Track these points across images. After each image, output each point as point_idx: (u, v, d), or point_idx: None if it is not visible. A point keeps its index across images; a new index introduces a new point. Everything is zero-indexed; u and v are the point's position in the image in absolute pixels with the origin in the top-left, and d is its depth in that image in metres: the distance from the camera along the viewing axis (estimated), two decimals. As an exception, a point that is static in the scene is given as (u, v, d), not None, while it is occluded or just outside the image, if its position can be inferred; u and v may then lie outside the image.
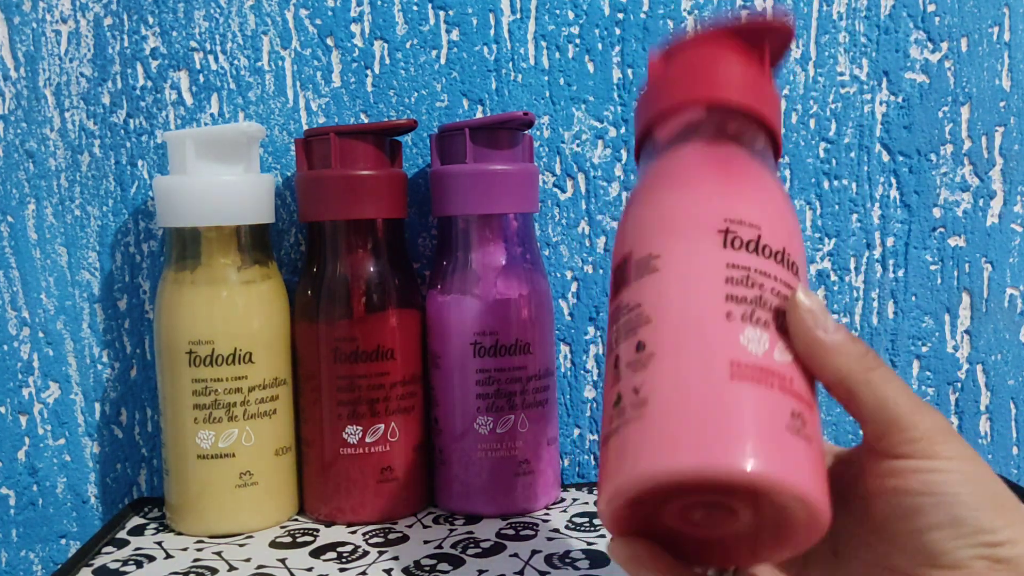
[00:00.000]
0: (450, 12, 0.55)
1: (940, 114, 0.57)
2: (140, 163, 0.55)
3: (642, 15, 0.56)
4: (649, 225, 0.33)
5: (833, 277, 0.58)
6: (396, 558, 0.46)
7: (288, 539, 0.49)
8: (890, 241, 0.58)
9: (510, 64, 0.56)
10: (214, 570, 0.45)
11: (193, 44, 0.55)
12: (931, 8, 0.56)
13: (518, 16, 0.55)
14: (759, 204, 0.33)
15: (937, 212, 0.58)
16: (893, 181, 0.57)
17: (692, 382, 0.29)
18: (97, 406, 0.57)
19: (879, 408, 0.31)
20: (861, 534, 0.32)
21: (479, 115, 0.56)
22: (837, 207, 0.57)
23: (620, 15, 0.56)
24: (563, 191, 0.57)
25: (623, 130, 0.56)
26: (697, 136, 0.35)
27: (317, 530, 0.50)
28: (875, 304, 0.58)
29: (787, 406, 0.29)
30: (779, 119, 0.37)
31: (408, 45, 0.55)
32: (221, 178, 0.49)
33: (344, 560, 0.46)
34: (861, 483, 0.32)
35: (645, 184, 0.35)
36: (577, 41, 0.56)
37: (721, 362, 0.29)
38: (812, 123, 0.57)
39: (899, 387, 0.31)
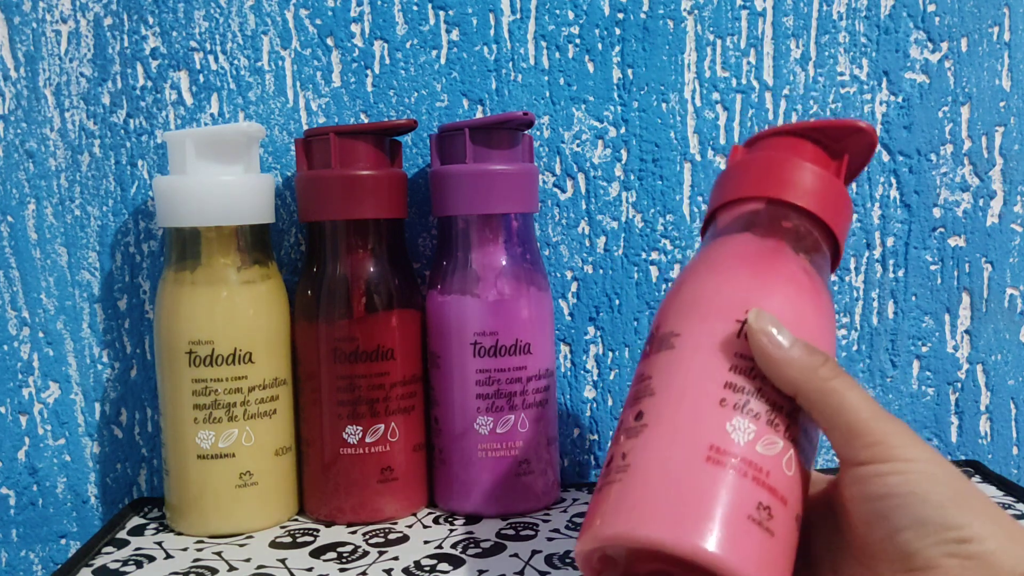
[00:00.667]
0: (450, 12, 0.55)
1: (940, 114, 0.57)
2: (140, 163, 0.55)
3: (642, 15, 0.56)
4: (680, 304, 0.36)
5: (833, 277, 0.58)
6: (396, 558, 0.46)
7: (288, 539, 0.49)
8: (890, 241, 0.58)
9: (510, 64, 0.56)
10: (214, 570, 0.45)
11: (193, 44, 0.55)
12: (931, 8, 0.56)
13: (518, 16, 0.55)
14: (779, 298, 0.35)
15: (937, 212, 0.58)
16: (893, 181, 0.57)
17: (671, 457, 0.32)
18: (97, 406, 0.57)
19: (837, 416, 0.32)
20: (850, 551, 0.33)
21: (479, 115, 0.56)
22: (837, 207, 0.57)
23: (620, 15, 0.56)
24: (563, 191, 0.57)
25: (623, 130, 0.56)
26: (751, 228, 0.38)
27: (317, 530, 0.50)
28: (875, 304, 0.58)
29: (756, 497, 0.31)
30: (841, 223, 0.39)
31: (408, 45, 0.55)
32: (221, 178, 0.49)
33: (344, 560, 0.46)
34: (838, 498, 0.33)
35: (693, 264, 0.38)
36: (577, 41, 0.56)
37: (702, 444, 0.31)
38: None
39: (858, 396, 0.32)
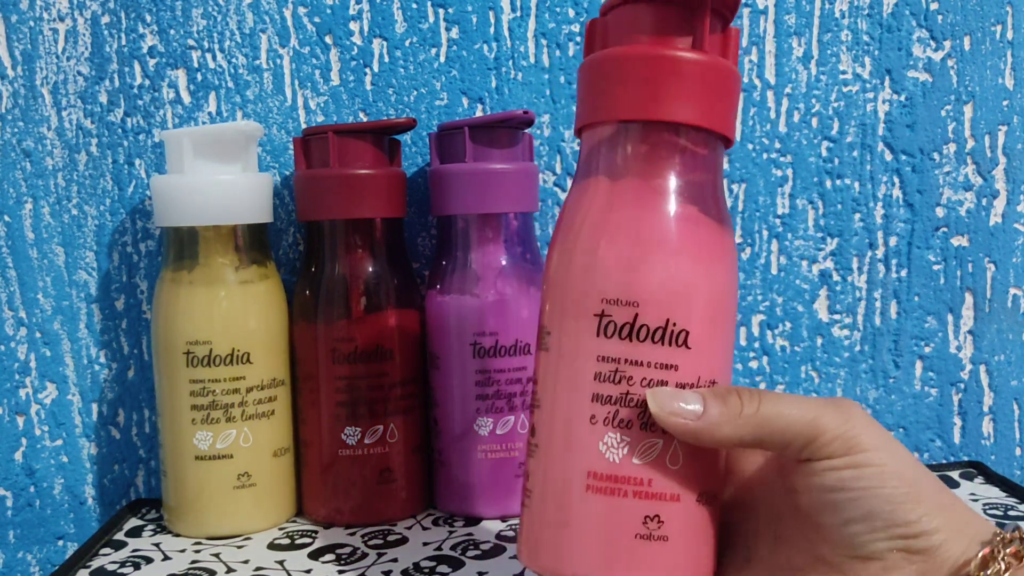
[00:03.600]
0: (450, 10, 0.55)
1: (943, 113, 0.57)
2: (137, 162, 0.55)
3: (643, 13, 0.55)
4: (548, 286, 0.33)
5: (836, 277, 0.57)
6: (395, 560, 0.45)
7: (286, 541, 0.49)
8: (893, 241, 0.57)
9: (510, 62, 0.55)
10: (212, 572, 0.45)
11: (191, 42, 0.54)
12: (934, 6, 0.56)
13: (518, 14, 0.55)
14: (639, 274, 0.31)
15: (940, 211, 0.57)
16: (896, 180, 0.57)
17: (556, 486, 0.32)
18: (94, 407, 0.56)
19: (783, 435, 0.31)
20: (795, 522, 0.33)
21: (479, 113, 0.56)
22: (840, 206, 0.57)
23: (621, 13, 0.55)
24: (563, 190, 0.56)
25: (624, 129, 0.56)
26: (606, 166, 0.32)
27: (316, 532, 0.50)
28: (878, 304, 0.58)
29: (640, 512, 0.31)
30: (718, 111, 0.32)
31: (407, 43, 0.55)
32: (219, 177, 0.49)
33: (343, 562, 0.45)
34: (787, 478, 0.33)
35: (558, 224, 0.34)
36: (577, 39, 0.55)
37: (580, 472, 0.31)
38: (814, 122, 0.56)
39: (790, 404, 0.31)
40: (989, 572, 0.29)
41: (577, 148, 0.56)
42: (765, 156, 0.56)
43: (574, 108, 0.55)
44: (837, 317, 0.58)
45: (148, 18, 0.54)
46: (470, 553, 0.46)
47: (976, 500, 0.51)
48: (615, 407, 0.31)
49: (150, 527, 0.52)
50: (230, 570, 0.45)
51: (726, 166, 0.56)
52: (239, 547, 0.48)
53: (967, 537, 0.30)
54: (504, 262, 0.50)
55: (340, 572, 0.44)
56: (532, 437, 0.33)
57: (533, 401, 0.34)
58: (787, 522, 0.33)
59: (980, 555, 0.29)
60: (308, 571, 0.45)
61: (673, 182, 0.32)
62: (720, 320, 0.32)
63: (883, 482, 0.30)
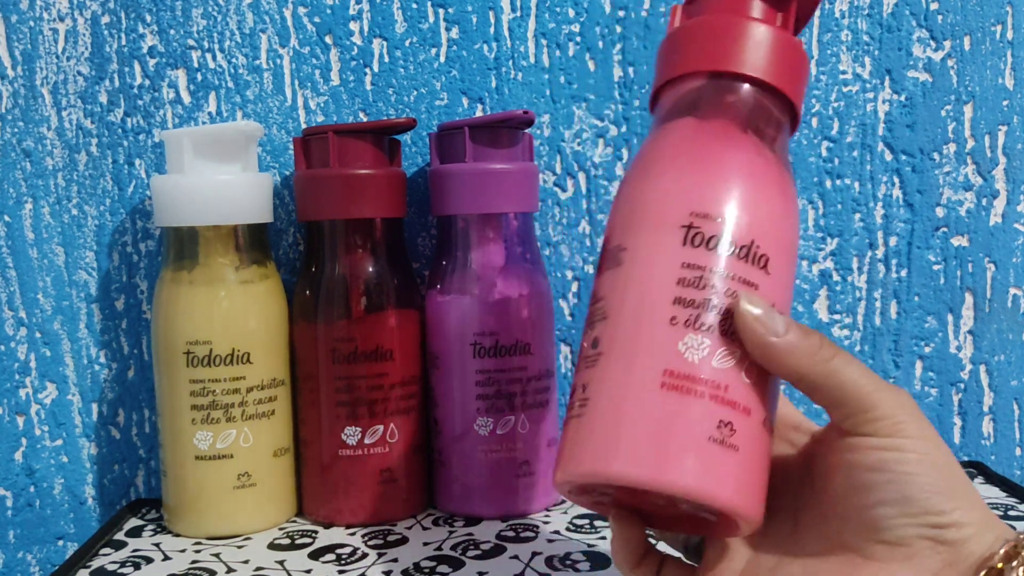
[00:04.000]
0: (450, 10, 0.55)
1: (943, 113, 0.57)
2: (137, 162, 0.55)
3: (643, 13, 0.55)
4: (623, 212, 0.34)
5: (836, 277, 0.57)
6: (395, 560, 0.45)
7: (287, 541, 0.49)
8: (893, 241, 0.57)
9: (510, 62, 0.55)
10: (212, 572, 0.45)
11: (191, 42, 0.54)
12: (934, 6, 0.56)
13: (518, 14, 0.55)
14: (730, 193, 0.32)
15: (940, 211, 0.57)
16: (896, 180, 0.57)
17: (627, 389, 0.31)
18: (94, 407, 0.56)
19: (842, 394, 0.31)
20: (819, 508, 0.33)
21: (479, 113, 0.56)
22: (840, 206, 0.57)
23: (621, 13, 0.55)
24: (563, 190, 0.56)
25: (624, 128, 0.56)
26: (692, 111, 0.34)
27: (316, 532, 0.50)
28: (878, 304, 0.58)
29: (715, 416, 0.30)
30: (794, 83, 0.35)
31: (407, 43, 0.55)
32: (219, 177, 0.49)
33: (343, 562, 0.45)
34: (823, 459, 0.33)
35: (634, 163, 0.35)
36: (578, 39, 0.55)
37: (655, 371, 0.30)
38: (814, 122, 0.56)
39: (859, 370, 0.31)
40: (1014, 564, 0.29)
41: (577, 148, 0.56)
42: (765, 156, 0.56)
43: (574, 108, 0.56)
44: (837, 317, 0.58)
45: (148, 18, 0.54)
46: (470, 553, 0.46)
47: (976, 500, 0.51)
48: (698, 311, 0.31)
49: (150, 527, 0.52)
50: (230, 570, 0.45)
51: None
52: (239, 547, 0.48)
53: (993, 534, 0.30)
54: (504, 262, 0.50)
55: (340, 572, 0.44)
56: (593, 348, 0.33)
57: (594, 317, 0.33)
58: (810, 509, 0.33)
59: (1003, 551, 0.29)
60: (308, 571, 0.45)
61: (757, 129, 0.34)
62: (792, 257, 0.33)
63: (923, 470, 0.30)
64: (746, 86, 0.34)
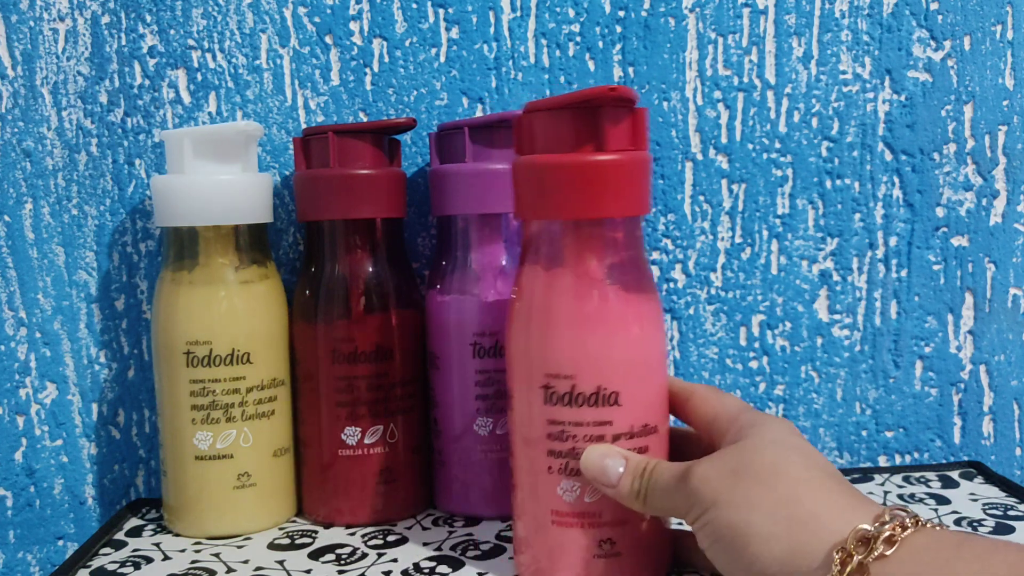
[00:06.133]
0: (450, 10, 0.55)
1: (943, 113, 0.57)
2: (138, 162, 0.55)
3: (643, 13, 0.55)
4: (507, 361, 0.41)
5: (836, 277, 0.57)
6: (395, 560, 0.45)
7: (286, 541, 0.49)
8: (893, 241, 0.57)
9: (510, 62, 0.55)
10: (212, 572, 0.45)
11: (191, 42, 0.54)
12: (934, 6, 0.56)
13: (518, 14, 0.55)
14: (573, 348, 0.39)
15: (940, 211, 0.57)
16: (896, 180, 0.57)
17: (533, 525, 0.41)
18: (95, 407, 0.56)
19: (670, 509, 0.37)
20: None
21: (479, 113, 0.56)
22: (840, 206, 0.57)
23: (621, 13, 0.55)
24: (563, 190, 0.56)
25: (624, 129, 0.56)
26: (539, 256, 0.40)
27: (316, 532, 0.50)
28: (878, 304, 0.58)
29: (596, 537, 0.40)
30: (632, 196, 0.39)
31: (407, 43, 0.55)
32: (219, 177, 0.49)
33: (343, 562, 0.45)
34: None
35: (511, 303, 0.41)
36: (578, 39, 0.55)
37: (547, 512, 0.40)
38: (814, 122, 0.56)
39: (666, 482, 0.37)
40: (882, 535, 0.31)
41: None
42: (765, 156, 0.56)
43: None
44: (837, 317, 0.58)
45: (148, 18, 0.54)
46: (470, 553, 0.46)
47: (976, 500, 0.51)
48: (566, 459, 0.39)
49: (150, 527, 0.52)
50: (230, 570, 0.45)
51: (725, 167, 0.56)
52: (239, 547, 0.48)
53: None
54: (504, 262, 0.50)
55: (340, 572, 0.44)
56: (511, 479, 0.42)
57: (511, 451, 0.42)
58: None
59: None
60: (308, 571, 0.45)
61: (596, 266, 0.39)
62: (646, 374, 0.40)
63: (720, 535, 0.35)
64: (582, 225, 0.39)
